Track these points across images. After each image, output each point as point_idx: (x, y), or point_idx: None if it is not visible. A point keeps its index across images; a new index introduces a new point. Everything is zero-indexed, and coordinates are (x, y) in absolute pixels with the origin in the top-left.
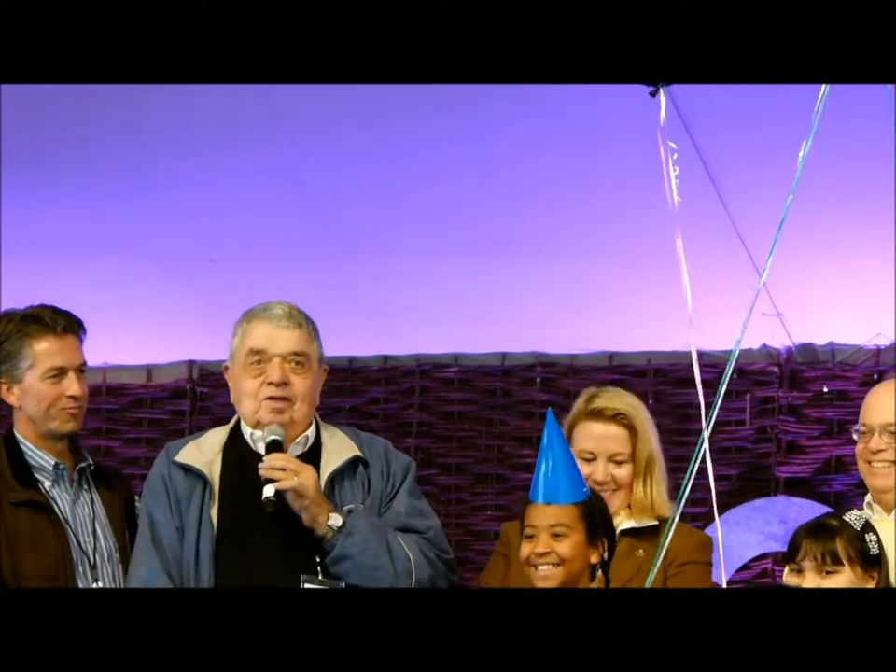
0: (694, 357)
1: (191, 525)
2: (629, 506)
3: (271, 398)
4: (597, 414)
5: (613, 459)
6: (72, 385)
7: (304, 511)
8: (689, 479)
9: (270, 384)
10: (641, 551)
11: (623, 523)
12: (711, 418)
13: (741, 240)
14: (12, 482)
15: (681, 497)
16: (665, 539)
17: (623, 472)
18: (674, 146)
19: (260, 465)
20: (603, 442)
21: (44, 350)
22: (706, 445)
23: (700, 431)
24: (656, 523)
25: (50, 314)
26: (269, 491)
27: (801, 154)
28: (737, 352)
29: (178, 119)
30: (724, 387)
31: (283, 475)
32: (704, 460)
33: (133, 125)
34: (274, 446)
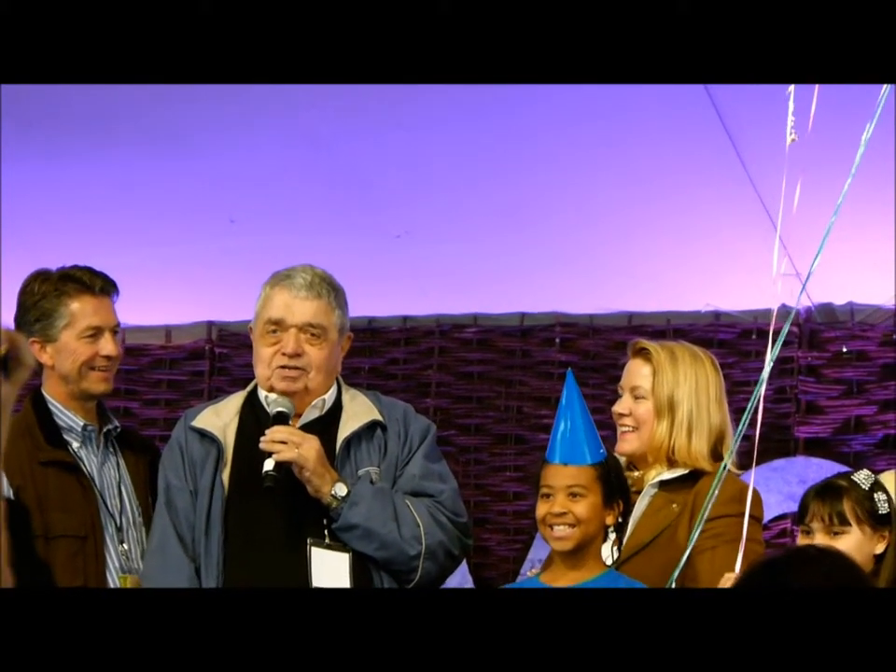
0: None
1: (204, 489)
2: (667, 459)
3: (283, 366)
4: (632, 351)
5: (634, 393)
6: (107, 345)
7: (307, 482)
8: (738, 435)
9: (283, 354)
10: (675, 505)
11: (657, 476)
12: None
13: (760, 200)
14: (41, 441)
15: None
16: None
17: (642, 409)
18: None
19: (262, 438)
20: (627, 375)
21: (81, 309)
22: (761, 400)
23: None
24: (685, 472)
25: (88, 274)
26: (268, 465)
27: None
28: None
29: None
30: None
31: (283, 448)
32: (743, 420)
33: (155, 88)
34: (279, 419)
